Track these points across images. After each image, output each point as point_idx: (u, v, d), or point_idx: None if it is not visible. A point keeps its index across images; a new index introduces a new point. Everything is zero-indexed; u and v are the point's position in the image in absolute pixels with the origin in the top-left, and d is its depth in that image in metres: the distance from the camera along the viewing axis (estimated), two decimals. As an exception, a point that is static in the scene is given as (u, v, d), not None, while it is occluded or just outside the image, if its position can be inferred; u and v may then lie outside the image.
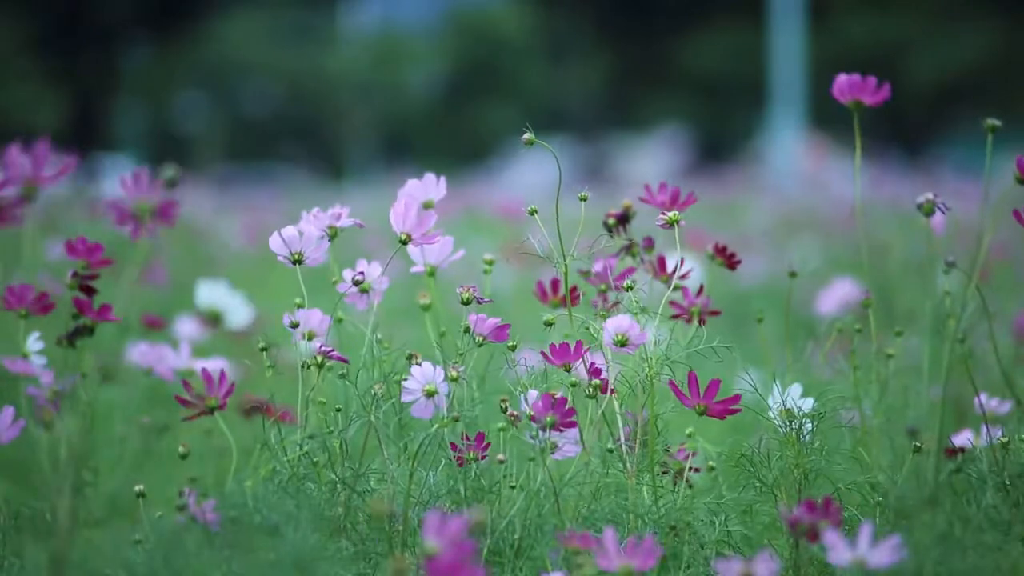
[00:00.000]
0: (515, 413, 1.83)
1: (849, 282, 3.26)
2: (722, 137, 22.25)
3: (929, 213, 1.98)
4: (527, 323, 1.97)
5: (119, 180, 2.08)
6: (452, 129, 24.51)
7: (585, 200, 1.91)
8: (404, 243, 1.93)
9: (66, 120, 22.73)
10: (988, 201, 1.96)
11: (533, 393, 1.84)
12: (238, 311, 2.87)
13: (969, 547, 1.69)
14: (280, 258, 1.91)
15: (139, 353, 2.49)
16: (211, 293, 2.86)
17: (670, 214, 1.94)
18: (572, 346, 1.86)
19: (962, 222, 4.99)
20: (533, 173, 14.87)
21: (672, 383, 1.83)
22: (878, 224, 7.39)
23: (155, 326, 2.92)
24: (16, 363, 2.00)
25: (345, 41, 25.75)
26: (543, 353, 1.86)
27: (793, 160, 15.49)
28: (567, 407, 1.81)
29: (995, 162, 2.03)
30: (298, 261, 1.91)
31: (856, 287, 3.24)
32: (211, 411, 1.90)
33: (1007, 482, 1.81)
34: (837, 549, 1.59)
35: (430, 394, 1.85)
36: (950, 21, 23.84)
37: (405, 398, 1.85)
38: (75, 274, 1.97)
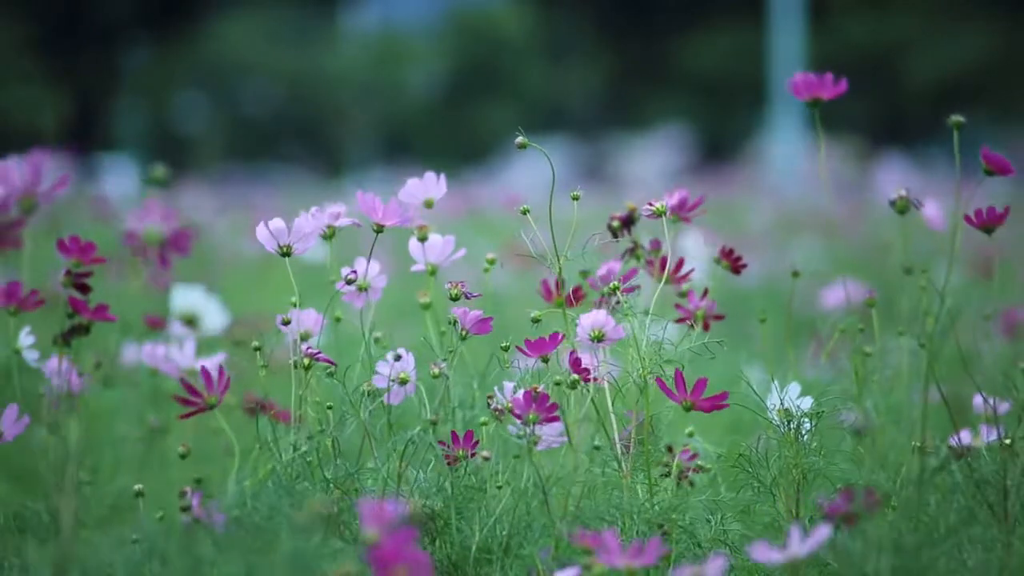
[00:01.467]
0: (498, 408, 1.83)
1: (851, 283, 3.26)
2: (722, 137, 22.25)
3: (903, 210, 1.99)
4: (523, 323, 1.97)
5: (129, 216, 2.07)
6: (452, 129, 24.50)
7: (577, 199, 1.91)
8: (378, 232, 1.94)
9: (66, 120, 22.73)
10: (960, 199, 1.96)
11: (509, 385, 1.84)
12: (214, 315, 2.88)
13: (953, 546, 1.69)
14: (268, 249, 1.91)
15: (144, 353, 2.49)
16: (186, 297, 2.87)
17: (657, 205, 1.95)
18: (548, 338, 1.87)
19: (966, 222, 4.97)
20: (533, 173, 14.87)
21: (659, 380, 1.83)
22: (881, 224, 7.39)
23: (157, 326, 2.92)
24: (50, 362, 2.00)
25: (345, 41, 25.75)
26: (518, 347, 1.86)
27: (793, 160, 15.48)
28: (549, 402, 1.81)
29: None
30: (286, 253, 1.91)
31: (858, 288, 3.24)
32: (210, 408, 1.90)
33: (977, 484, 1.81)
34: (763, 553, 1.58)
35: (403, 382, 1.87)
36: (950, 21, 23.83)
37: (376, 382, 1.86)
38: (68, 272, 1.96)
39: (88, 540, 2.05)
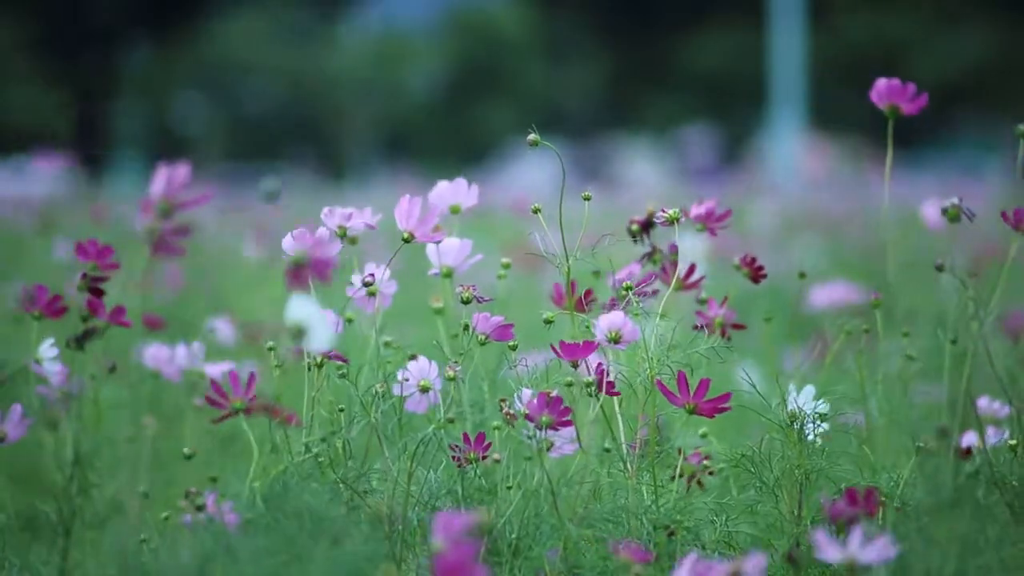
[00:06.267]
0: (511, 412, 1.83)
1: (849, 283, 3.27)
2: (722, 137, 22.26)
3: (954, 218, 1.98)
4: (528, 324, 1.97)
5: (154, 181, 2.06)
6: (452, 129, 24.50)
7: (588, 199, 1.91)
8: (407, 241, 1.92)
9: (66, 121, 22.73)
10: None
11: (527, 392, 1.83)
12: (322, 331, 2.82)
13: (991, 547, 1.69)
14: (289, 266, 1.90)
15: (148, 354, 2.47)
16: (301, 309, 2.82)
17: (670, 212, 1.95)
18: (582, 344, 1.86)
19: (965, 221, 4.97)
20: (532, 173, 14.87)
21: (659, 382, 1.83)
22: (881, 224, 7.39)
23: (155, 327, 2.91)
24: (31, 364, 1.99)
25: (345, 41, 25.75)
26: (553, 348, 1.85)
27: (794, 160, 15.49)
28: (563, 406, 1.81)
29: (994, 162, 2.03)
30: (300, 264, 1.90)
31: (853, 288, 3.24)
32: (236, 412, 1.88)
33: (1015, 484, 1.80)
34: (826, 548, 1.60)
35: (424, 389, 1.86)
36: (950, 21, 23.84)
37: (399, 391, 1.85)
38: (84, 276, 1.96)
39: (91, 540, 2.05)
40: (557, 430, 1.83)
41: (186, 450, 1.93)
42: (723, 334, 2.04)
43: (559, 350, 1.85)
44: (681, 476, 1.91)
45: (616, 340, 1.87)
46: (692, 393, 1.83)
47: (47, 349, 1.96)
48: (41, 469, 1.99)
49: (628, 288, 1.90)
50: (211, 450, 2.58)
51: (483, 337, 1.88)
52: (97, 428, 1.97)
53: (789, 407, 1.86)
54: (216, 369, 2.40)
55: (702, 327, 2.03)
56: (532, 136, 1.88)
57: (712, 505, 1.87)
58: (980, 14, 23.85)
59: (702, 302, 2.07)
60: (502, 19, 25.45)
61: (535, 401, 1.80)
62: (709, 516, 1.87)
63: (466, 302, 1.88)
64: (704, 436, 2.02)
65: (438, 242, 1.96)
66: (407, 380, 1.86)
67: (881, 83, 2.02)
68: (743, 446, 1.89)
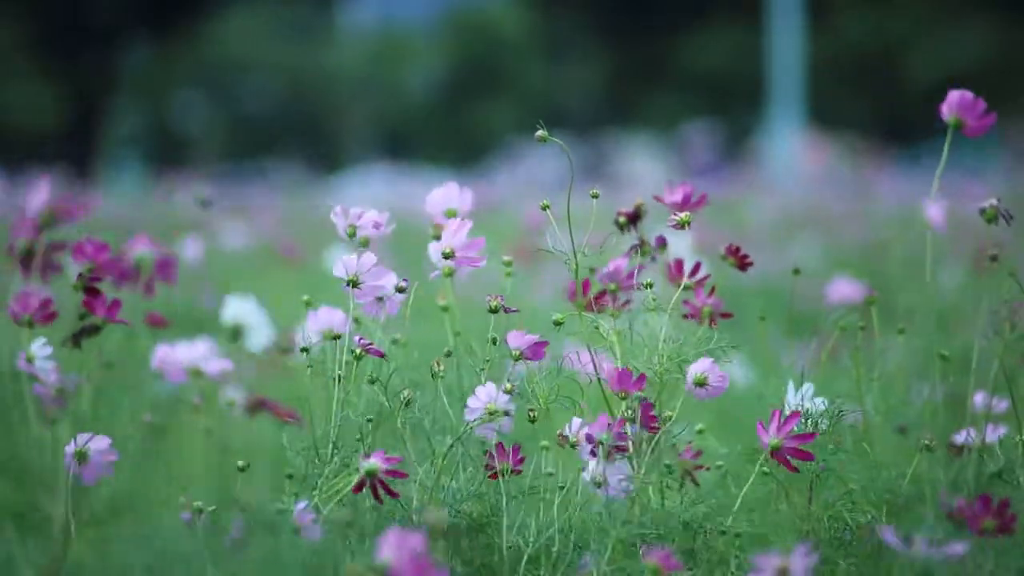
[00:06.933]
0: (564, 435, 1.83)
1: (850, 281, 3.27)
2: (722, 135, 22.26)
3: (991, 219, 1.97)
4: (528, 322, 1.96)
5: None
6: (451, 128, 24.51)
7: (596, 197, 1.91)
8: (447, 257, 1.90)
9: (66, 120, 22.73)
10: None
11: (577, 421, 1.83)
12: (261, 329, 2.78)
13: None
14: (343, 285, 1.87)
15: (156, 355, 2.46)
16: (237, 308, 2.77)
17: (682, 215, 1.95)
18: (634, 374, 1.83)
19: (962, 220, 4.98)
20: (533, 171, 14.86)
21: (760, 424, 1.80)
22: (880, 223, 7.39)
23: (159, 325, 2.90)
24: (23, 363, 1.98)
25: (343, 38, 25.75)
26: (607, 373, 1.84)
27: (793, 159, 15.51)
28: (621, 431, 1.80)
29: (993, 161, 2.02)
30: (354, 284, 1.87)
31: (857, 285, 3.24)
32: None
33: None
34: (894, 543, 1.61)
35: (492, 413, 1.83)
36: (950, 20, 23.84)
37: (468, 417, 1.83)
38: (81, 275, 1.95)
39: (89, 538, 2.05)
40: (616, 459, 1.82)
41: (240, 463, 1.88)
42: (712, 323, 2.03)
43: (611, 379, 1.83)
44: (673, 473, 1.91)
45: (701, 384, 1.85)
46: (780, 427, 1.80)
47: (39, 348, 1.95)
48: (40, 466, 1.99)
49: (649, 285, 1.90)
50: (210, 451, 2.57)
51: (518, 354, 1.87)
52: (94, 426, 1.97)
53: (789, 403, 1.86)
54: (215, 366, 2.40)
55: (690, 316, 2.02)
56: (540, 132, 1.89)
57: (723, 503, 1.87)
58: (980, 13, 23.85)
59: (687, 288, 2.06)
60: (502, 19, 25.46)
61: (590, 429, 1.80)
62: (718, 515, 1.86)
63: (494, 311, 1.86)
64: (701, 432, 2.01)
65: (476, 266, 1.94)
66: (473, 404, 1.84)
67: (954, 95, 2.01)
68: (751, 445, 1.89)
